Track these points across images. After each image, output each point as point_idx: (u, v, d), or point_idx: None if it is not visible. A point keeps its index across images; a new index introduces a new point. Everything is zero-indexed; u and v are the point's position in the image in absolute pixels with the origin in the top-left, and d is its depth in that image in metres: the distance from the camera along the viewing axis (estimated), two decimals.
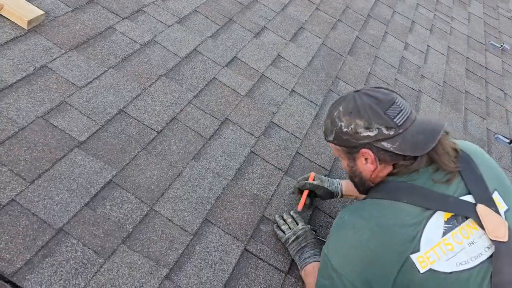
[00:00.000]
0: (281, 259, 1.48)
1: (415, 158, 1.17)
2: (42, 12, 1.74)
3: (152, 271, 1.27)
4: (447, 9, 3.96)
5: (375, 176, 1.25)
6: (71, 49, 1.73)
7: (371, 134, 1.16)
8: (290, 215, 1.54)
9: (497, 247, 1.08)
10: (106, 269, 1.22)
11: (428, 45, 3.22)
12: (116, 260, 1.24)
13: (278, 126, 1.93)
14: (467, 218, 1.12)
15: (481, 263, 1.08)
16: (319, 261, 1.31)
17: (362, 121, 1.18)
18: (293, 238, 1.45)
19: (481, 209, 1.12)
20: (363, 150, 1.20)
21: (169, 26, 2.09)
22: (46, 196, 1.28)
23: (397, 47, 2.98)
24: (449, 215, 1.12)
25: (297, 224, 1.50)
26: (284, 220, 1.52)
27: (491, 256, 1.08)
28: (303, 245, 1.43)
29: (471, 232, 1.10)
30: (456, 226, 1.11)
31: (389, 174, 1.22)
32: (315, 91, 2.22)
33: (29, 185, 1.28)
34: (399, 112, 1.16)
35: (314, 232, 1.51)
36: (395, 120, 1.15)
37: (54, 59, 1.66)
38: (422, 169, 1.17)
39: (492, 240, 1.09)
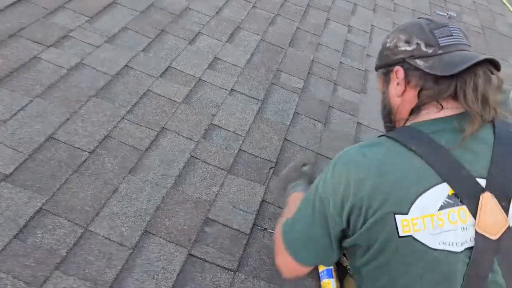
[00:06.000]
0: (228, 258, 1.46)
1: (440, 86, 1.06)
2: None
3: None
4: None
5: (401, 109, 1.17)
6: None
7: (408, 48, 1.13)
8: None
9: (481, 242, 0.97)
10: None
11: (372, 25, 3.24)
12: (50, 287, 1.22)
13: (219, 127, 1.92)
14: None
15: (465, 250, 0.97)
16: None
17: (404, 35, 1.15)
18: None
19: (485, 197, 0.97)
20: (396, 67, 1.16)
21: (97, 47, 2.08)
22: None
23: (340, 32, 3.00)
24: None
25: None
26: None
27: (471, 247, 0.97)
28: None
29: (469, 217, 0.98)
30: (457, 205, 0.98)
31: (410, 118, 1.12)
32: (256, 87, 2.21)
33: None
34: (447, 36, 1.09)
35: None
36: (438, 40, 1.09)
37: None
38: (446, 119, 1.05)
39: (477, 233, 0.97)
